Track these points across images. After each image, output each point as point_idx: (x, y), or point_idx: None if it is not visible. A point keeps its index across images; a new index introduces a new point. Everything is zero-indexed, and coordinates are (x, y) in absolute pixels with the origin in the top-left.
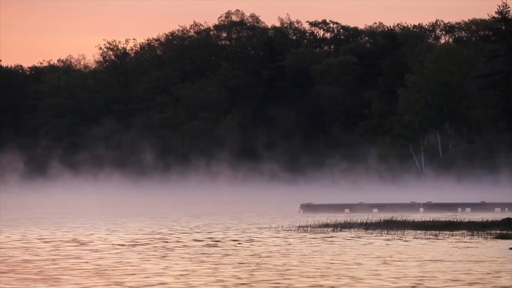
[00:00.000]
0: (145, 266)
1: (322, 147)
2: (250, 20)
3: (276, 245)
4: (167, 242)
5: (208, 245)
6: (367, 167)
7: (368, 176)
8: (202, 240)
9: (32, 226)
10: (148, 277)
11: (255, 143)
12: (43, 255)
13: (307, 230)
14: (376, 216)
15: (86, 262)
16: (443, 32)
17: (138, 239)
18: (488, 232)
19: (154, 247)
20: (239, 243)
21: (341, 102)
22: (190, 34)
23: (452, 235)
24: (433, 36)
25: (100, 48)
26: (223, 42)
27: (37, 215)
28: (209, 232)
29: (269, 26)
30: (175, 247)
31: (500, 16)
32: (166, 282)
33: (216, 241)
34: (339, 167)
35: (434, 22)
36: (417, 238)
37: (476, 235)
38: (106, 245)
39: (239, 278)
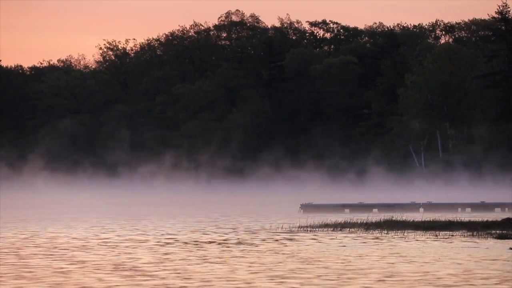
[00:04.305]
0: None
1: (322, 146)
2: (250, 20)
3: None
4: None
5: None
6: (367, 167)
7: (368, 176)
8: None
9: (69, 225)
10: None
11: (253, 142)
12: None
13: (307, 230)
14: (376, 216)
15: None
16: (443, 32)
17: (201, 238)
18: (488, 232)
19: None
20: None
21: (341, 102)
22: (190, 34)
23: (452, 235)
24: (433, 36)
25: (100, 48)
26: (223, 42)
27: (60, 214)
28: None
29: (269, 26)
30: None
31: (500, 16)
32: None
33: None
34: (338, 166)
35: (434, 22)
36: (416, 238)
37: (476, 235)
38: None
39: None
